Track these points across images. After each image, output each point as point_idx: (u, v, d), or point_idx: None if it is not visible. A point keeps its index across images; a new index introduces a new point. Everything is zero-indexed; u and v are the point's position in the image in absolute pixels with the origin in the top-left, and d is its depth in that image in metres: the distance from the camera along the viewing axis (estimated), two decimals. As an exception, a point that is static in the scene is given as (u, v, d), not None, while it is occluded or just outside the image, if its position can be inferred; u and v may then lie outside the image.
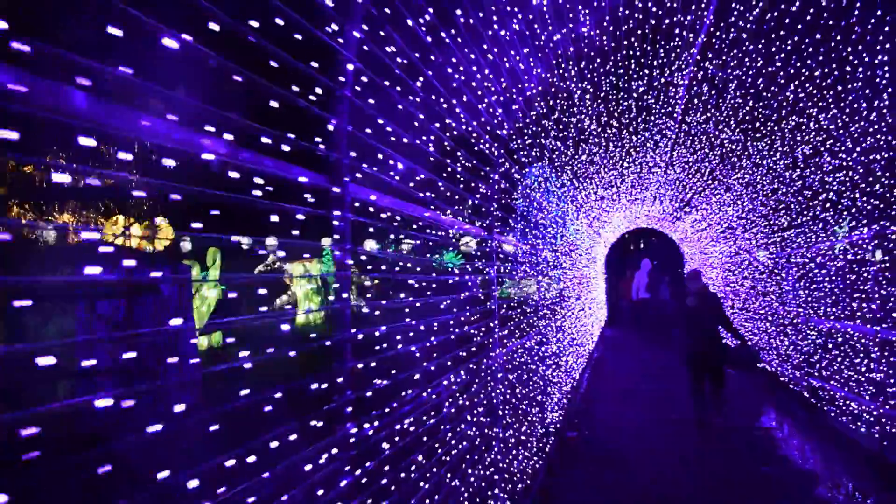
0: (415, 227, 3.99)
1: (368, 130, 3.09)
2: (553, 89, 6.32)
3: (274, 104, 2.40)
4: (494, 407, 5.03)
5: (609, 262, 26.39)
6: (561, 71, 6.24)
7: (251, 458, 2.18)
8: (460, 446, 4.05)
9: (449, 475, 3.85)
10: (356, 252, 2.89)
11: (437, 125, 3.95)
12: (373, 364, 2.95)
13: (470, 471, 4.26)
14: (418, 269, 4.53)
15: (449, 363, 4.10)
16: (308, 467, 2.47)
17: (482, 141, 4.97)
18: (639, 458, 7.48)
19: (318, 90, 2.73)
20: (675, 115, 9.07)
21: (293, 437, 2.43)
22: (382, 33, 3.15)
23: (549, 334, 7.89)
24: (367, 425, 2.91)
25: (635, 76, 7.60)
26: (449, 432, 3.92)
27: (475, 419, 4.50)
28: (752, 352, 11.76)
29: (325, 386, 2.70)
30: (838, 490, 6.28)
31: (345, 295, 2.79)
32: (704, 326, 8.70)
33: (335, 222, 2.76)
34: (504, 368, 5.45)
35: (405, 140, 3.45)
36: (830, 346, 8.49)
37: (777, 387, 10.82)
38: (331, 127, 2.84)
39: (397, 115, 3.35)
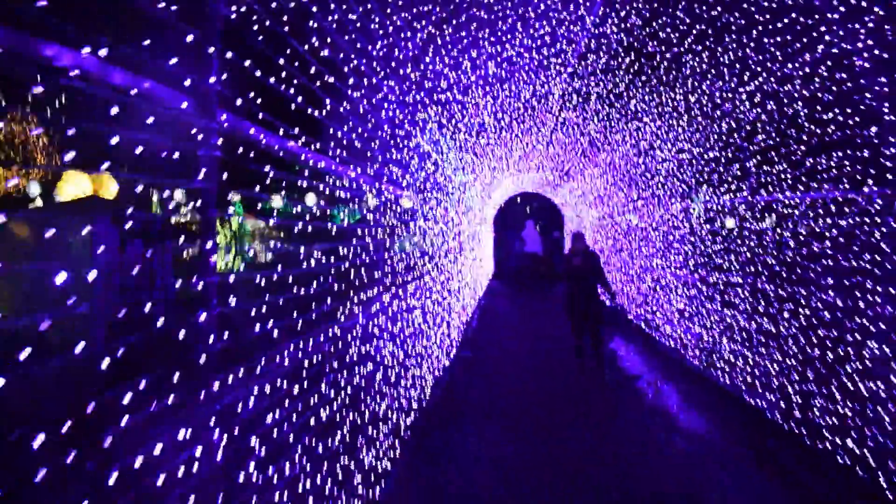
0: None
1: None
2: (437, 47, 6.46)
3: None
4: (396, 341, 5.73)
5: (496, 222, 29.03)
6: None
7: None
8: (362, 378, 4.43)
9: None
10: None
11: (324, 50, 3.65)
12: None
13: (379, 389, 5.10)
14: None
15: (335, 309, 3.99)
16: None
17: (365, 77, 4.69)
18: (512, 369, 9.98)
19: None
20: (553, 95, 11.11)
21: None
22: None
23: (438, 282, 9.89)
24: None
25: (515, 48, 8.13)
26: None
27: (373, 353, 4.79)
28: (622, 307, 14.28)
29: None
30: (659, 385, 8.95)
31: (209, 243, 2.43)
32: (585, 283, 9.68)
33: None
34: (395, 310, 5.79)
35: (282, 63, 3.14)
36: (658, 288, 11.27)
37: (627, 324, 13.65)
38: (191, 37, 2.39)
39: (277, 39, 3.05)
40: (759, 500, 5.27)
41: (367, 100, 4.78)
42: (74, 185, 15.27)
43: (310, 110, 3.50)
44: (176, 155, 2.24)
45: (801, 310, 6.15)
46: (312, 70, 3.56)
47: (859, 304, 5.23)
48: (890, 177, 5.01)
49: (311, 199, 22.03)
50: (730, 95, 7.30)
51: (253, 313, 2.78)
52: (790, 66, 5.93)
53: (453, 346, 10.55)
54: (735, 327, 7.77)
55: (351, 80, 4.32)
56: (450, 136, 8.88)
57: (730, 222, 8.21)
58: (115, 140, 2.00)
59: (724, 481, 5.61)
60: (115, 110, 1.96)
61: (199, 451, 2.32)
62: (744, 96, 6.98)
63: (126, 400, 1.96)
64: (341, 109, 4.04)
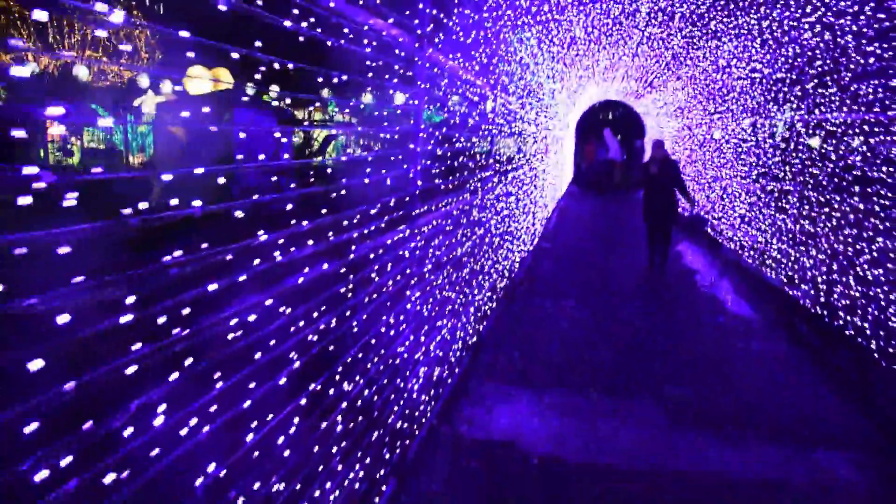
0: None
1: None
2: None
3: None
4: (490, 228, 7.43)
5: (579, 128, 29.78)
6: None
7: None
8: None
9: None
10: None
11: None
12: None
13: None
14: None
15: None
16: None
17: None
18: (583, 260, 11.49)
19: None
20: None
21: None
22: None
23: (527, 177, 11.28)
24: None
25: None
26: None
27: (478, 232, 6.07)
28: (701, 217, 15.27)
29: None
30: (716, 279, 10.31)
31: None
32: (663, 190, 10.17)
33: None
34: (498, 193, 7.32)
35: None
36: (724, 196, 12.41)
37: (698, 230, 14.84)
38: None
39: None
40: (780, 361, 6.72)
41: (476, 13, 5.34)
42: (199, 80, 17.15)
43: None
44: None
45: (833, 213, 7.35)
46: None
47: (875, 207, 6.43)
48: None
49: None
50: (794, 24, 8.25)
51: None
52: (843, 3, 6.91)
53: (535, 236, 12.07)
54: (783, 229, 8.97)
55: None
56: (544, 46, 9.91)
57: (783, 136, 9.27)
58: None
59: (755, 347, 7.08)
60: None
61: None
62: (805, 26, 7.94)
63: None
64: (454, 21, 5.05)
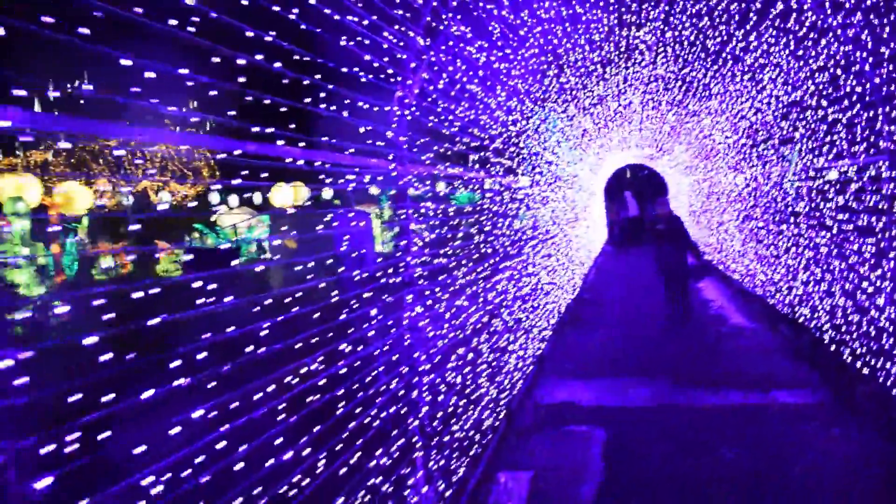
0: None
1: None
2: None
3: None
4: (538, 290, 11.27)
5: (606, 192, 32.76)
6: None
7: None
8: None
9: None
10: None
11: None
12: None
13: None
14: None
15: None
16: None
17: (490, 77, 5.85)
18: (616, 303, 14.20)
19: None
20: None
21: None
22: None
23: (564, 244, 14.09)
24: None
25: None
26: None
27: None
28: (708, 265, 17.34)
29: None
30: (722, 303, 12.87)
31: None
32: (673, 245, 11.18)
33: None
34: (540, 263, 11.56)
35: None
36: (729, 236, 15.05)
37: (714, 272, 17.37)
38: None
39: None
40: (760, 349, 9.27)
41: (497, 99, 6.52)
42: (283, 194, 20.70)
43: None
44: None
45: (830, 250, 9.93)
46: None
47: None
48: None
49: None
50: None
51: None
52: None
53: (577, 287, 14.83)
54: (784, 264, 11.53)
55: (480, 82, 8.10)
56: (566, 133, 12.63)
57: (774, 184, 11.97)
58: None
59: (743, 343, 9.67)
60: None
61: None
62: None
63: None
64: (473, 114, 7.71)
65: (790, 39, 7.28)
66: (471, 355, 5.24)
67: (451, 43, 4.63)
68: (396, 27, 3.69)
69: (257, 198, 27.37)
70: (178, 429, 2.04)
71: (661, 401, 7.24)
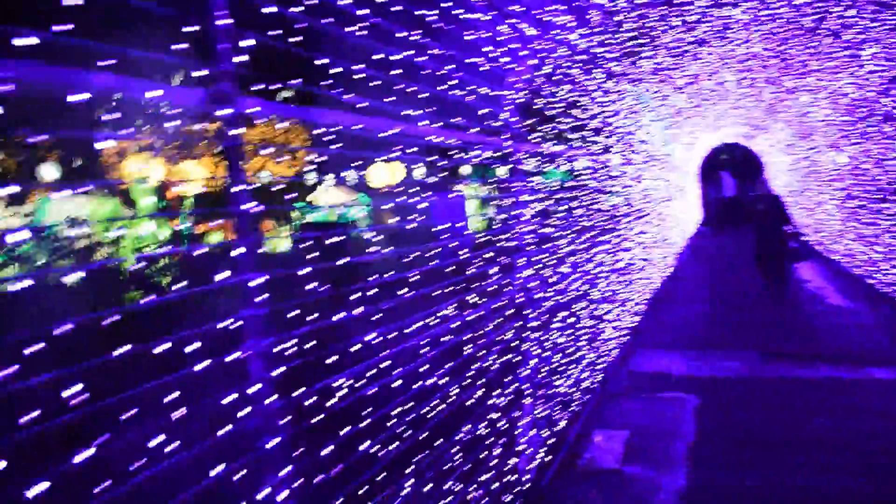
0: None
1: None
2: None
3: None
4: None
5: (701, 172, 32.16)
6: None
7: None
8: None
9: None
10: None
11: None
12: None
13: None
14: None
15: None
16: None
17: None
18: (712, 283, 14.22)
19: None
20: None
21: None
22: None
23: (654, 224, 14.19)
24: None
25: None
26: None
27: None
28: (808, 247, 17.02)
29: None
30: (817, 279, 12.75)
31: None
32: (770, 226, 10.93)
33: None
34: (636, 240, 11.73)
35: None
36: (828, 214, 14.76)
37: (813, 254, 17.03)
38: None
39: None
40: (878, 346, 9.25)
41: (595, 81, 6.94)
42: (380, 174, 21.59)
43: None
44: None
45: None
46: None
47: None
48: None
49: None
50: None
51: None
52: None
53: (670, 266, 14.94)
54: (885, 243, 11.29)
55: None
56: (660, 113, 12.77)
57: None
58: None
59: (837, 321, 9.68)
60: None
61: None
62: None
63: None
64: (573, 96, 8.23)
65: (891, 13, 7.29)
66: (571, 319, 5.69)
67: (555, 32, 5.04)
68: (511, 21, 4.14)
69: (351, 176, 28.39)
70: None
71: (752, 373, 7.46)
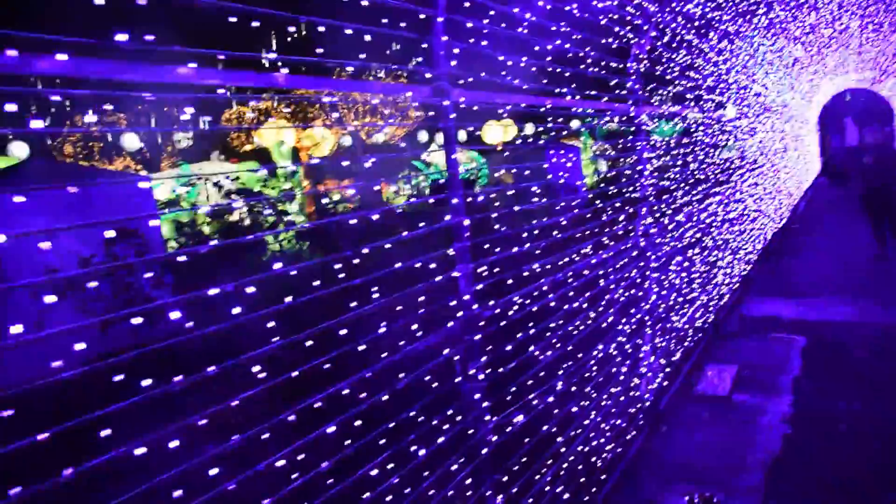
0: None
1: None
2: None
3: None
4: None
5: (821, 121, 30.94)
6: None
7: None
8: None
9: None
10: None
11: None
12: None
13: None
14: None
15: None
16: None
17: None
18: (827, 236, 14.23)
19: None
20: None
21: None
22: None
23: (768, 174, 14.24)
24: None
25: None
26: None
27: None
28: None
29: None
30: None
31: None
32: (879, 181, 10.43)
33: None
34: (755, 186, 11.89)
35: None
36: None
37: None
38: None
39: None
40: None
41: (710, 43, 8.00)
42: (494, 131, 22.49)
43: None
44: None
45: None
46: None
47: None
48: None
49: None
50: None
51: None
52: None
53: (784, 218, 15.01)
54: None
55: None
56: (775, 64, 12.74)
57: None
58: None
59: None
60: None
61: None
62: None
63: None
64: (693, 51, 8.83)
65: None
66: (686, 264, 6.32)
67: (673, 4, 5.60)
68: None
69: (462, 135, 29.28)
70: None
71: (861, 318, 7.81)
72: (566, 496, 3.60)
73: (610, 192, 4.67)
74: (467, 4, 2.93)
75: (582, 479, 3.82)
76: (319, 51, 2.44)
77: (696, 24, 6.48)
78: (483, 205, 4.08)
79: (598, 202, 4.44)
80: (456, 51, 2.84)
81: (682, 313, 6.26)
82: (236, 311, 1.93)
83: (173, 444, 1.72)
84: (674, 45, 5.90)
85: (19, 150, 16.58)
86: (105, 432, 1.66)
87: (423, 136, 32.97)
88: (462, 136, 29.93)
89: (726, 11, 7.24)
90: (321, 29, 2.37)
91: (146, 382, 1.67)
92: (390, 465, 2.30)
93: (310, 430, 2.06)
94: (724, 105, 8.61)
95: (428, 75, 2.73)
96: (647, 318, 5.12)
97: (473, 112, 3.01)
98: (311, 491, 2.01)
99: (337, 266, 2.48)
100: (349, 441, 2.17)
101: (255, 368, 1.99)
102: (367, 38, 2.51)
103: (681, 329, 6.19)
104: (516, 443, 3.17)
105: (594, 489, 3.98)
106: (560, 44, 3.77)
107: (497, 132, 22.76)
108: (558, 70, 3.82)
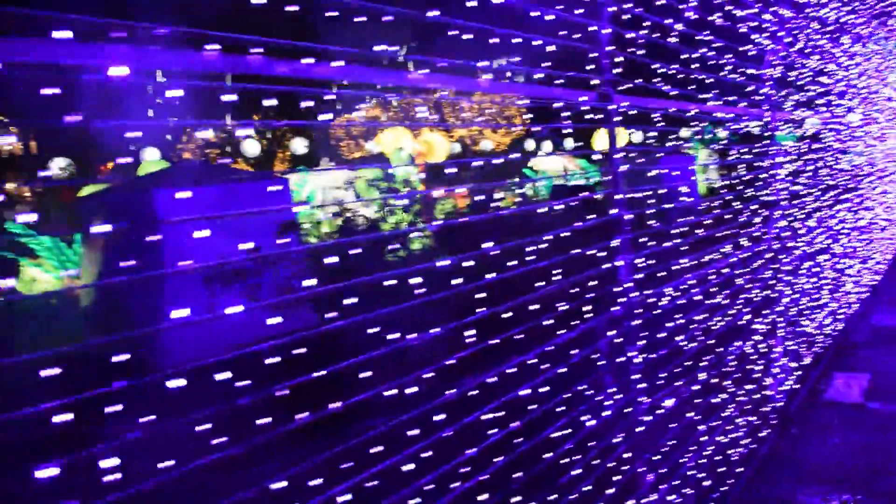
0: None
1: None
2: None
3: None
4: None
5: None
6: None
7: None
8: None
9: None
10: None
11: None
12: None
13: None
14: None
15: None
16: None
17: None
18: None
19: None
20: None
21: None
22: None
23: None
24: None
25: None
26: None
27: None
28: None
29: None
30: None
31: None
32: None
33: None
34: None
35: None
36: None
37: None
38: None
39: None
40: None
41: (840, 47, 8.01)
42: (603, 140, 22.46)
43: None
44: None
45: None
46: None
47: None
48: None
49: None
50: None
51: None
52: None
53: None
54: None
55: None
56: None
57: None
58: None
59: None
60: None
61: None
62: None
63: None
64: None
65: None
66: (816, 269, 6.30)
67: (808, 10, 5.65)
68: (773, 8, 4.89)
69: (569, 143, 29.32)
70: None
71: None
72: (707, 483, 3.76)
73: (746, 195, 4.79)
74: (626, 17, 3.19)
75: (721, 469, 3.97)
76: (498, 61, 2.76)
77: (830, 28, 6.46)
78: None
79: (735, 204, 4.58)
80: (618, 59, 3.11)
81: (812, 318, 6.24)
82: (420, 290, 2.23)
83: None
84: (807, 50, 5.93)
85: (252, 148, 18.27)
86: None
87: (530, 144, 33.22)
88: (569, 143, 30.00)
89: (860, 14, 7.16)
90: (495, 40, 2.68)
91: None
92: (567, 431, 2.58)
93: (502, 393, 2.36)
94: (854, 110, 8.44)
95: (594, 81, 3.00)
96: (780, 319, 5.18)
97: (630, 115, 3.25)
98: (504, 447, 2.31)
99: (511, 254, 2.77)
100: (535, 406, 2.46)
101: (467, 333, 2.31)
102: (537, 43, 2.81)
103: (810, 334, 6.18)
104: (664, 427, 3.38)
105: (731, 480, 4.11)
106: (704, 52, 3.96)
107: (607, 139, 22.70)
108: (701, 77, 4.01)
